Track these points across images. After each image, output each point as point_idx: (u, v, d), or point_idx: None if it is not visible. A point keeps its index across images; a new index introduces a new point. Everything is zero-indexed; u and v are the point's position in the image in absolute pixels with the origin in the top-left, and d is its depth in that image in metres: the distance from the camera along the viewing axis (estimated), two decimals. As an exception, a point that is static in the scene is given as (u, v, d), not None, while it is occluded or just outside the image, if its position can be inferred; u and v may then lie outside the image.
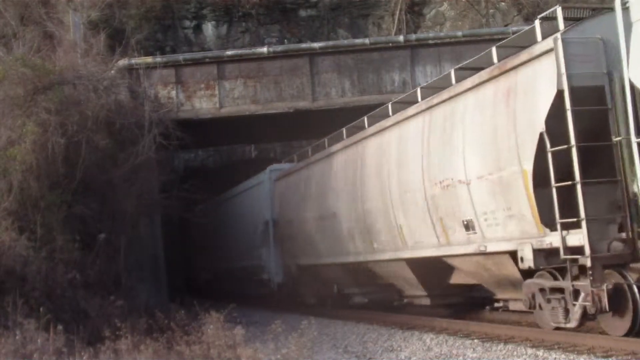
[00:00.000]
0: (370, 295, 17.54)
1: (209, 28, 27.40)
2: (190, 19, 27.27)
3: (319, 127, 19.81)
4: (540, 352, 10.05)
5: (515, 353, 10.27)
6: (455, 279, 14.26)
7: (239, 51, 21.20)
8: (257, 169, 25.40)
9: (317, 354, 11.36)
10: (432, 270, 14.35)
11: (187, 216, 22.02)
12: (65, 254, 13.60)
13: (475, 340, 11.61)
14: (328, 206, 17.54)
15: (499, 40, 12.74)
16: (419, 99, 14.09)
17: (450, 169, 12.51)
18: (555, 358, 9.69)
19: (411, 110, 14.07)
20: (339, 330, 14.75)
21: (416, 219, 13.80)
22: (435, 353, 11.03)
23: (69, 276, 12.98)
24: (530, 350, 10.25)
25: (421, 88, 14.47)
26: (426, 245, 13.69)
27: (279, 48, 20.70)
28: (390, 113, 14.91)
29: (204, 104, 19.79)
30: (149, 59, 19.97)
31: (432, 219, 13.23)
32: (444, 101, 12.83)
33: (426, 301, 15.20)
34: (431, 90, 13.96)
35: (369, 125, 15.91)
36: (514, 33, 14.02)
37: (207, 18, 27.33)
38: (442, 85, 13.48)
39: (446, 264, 13.71)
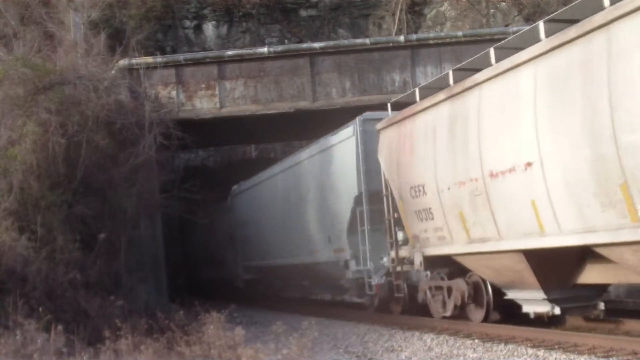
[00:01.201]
0: (569, 302, 11.30)
1: (209, 28, 27.40)
2: (191, 19, 27.28)
3: (320, 127, 19.79)
4: (540, 352, 10.04)
5: (515, 353, 10.26)
6: None
7: (240, 51, 21.19)
8: (257, 169, 25.35)
9: (317, 354, 11.35)
10: None
11: (189, 216, 21.64)
12: (66, 254, 13.61)
13: (476, 341, 11.59)
14: (510, 154, 10.56)
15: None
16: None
17: None
18: (556, 358, 9.69)
19: None
20: (339, 330, 14.74)
21: None
22: (435, 353, 11.02)
23: (69, 276, 12.99)
24: (531, 350, 10.24)
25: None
26: None
27: (280, 48, 20.69)
28: None
29: (204, 104, 19.78)
30: (150, 59, 19.96)
31: None
32: None
33: None
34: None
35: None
36: (514, 33, 13.94)
37: (208, 18, 27.34)
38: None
39: None
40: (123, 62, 19.14)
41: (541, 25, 10.37)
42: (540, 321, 12.62)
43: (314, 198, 18.92)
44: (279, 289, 23.72)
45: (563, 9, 10.40)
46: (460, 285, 13.16)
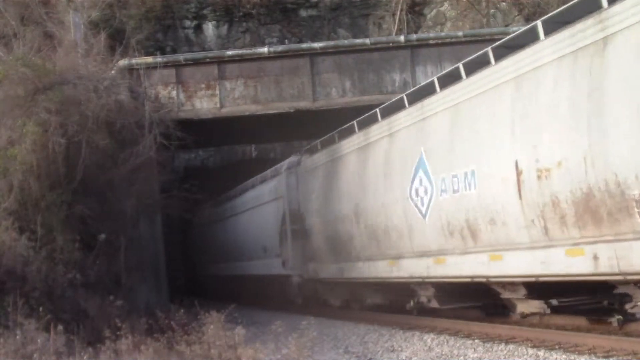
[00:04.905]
0: None
1: (209, 28, 27.40)
2: (191, 19, 27.29)
3: (320, 127, 19.78)
4: (541, 352, 10.03)
5: (516, 353, 10.26)
6: None
7: (240, 51, 21.18)
8: (257, 169, 25.27)
9: (317, 354, 11.34)
10: None
11: None
12: (66, 254, 13.61)
13: (476, 341, 11.59)
14: None
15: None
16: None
17: None
18: (556, 358, 9.68)
19: None
20: (339, 330, 14.73)
21: None
22: (436, 353, 11.02)
23: (69, 276, 13.00)
24: (531, 351, 10.23)
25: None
26: None
27: (280, 48, 20.68)
28: None
29: (204, 104, 19.77)
30: (150, 59, 19.95)
31: None
32: None
33: None
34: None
35: None
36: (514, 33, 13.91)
37: (208, 18, 27.34)
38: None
39: None
40: (123, 62, 19.13)
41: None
42: (541, 321, 12.61)
43: None
44: None
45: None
46: None
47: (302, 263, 19.63)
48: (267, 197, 22.15)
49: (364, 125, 16.19)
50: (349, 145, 16.91)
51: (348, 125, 17.03)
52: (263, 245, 22.48)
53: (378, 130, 15.40)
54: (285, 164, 20.84)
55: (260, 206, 22.89)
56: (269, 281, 22.46)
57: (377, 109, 15.46)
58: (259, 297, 23.55)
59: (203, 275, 30.56)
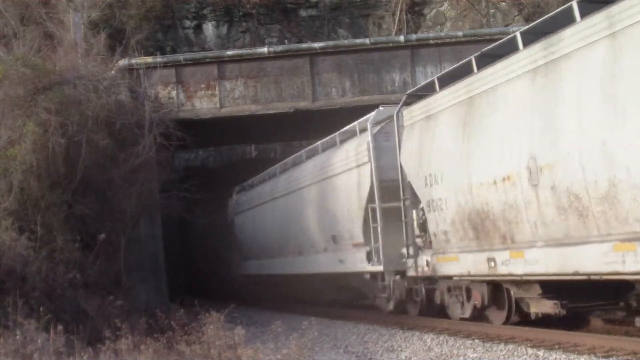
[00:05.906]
0: None
1: (209, 28, 27.39)
2: (191, 19, 27.28)
3: (319, 127, 19.79)
4: (540, 352, 10.04)
5: (515, 353, 10.26)
6: None
7: (240, 51, 21.20)
8: (257, 168, 25.28)
9: (317, 354, 11.35)
10: None
11: None
12: (66, 254, 13.61)
13: (476, 341, 11.59)
14: None
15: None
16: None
17: None
18: (555, 358, 9.68)
19: None
20: (339, 330, 14.74)
21: None
22: (435, 353, 11.02)
23: (69, 276, 12.99)
24: (531, 351, 10.24)
25: None
26: None
27: (280, 48, 20.69)
28: None
29: (204, 104, 19.78)
30: (149, 59, 19.96)
31: None
32: None
33: None
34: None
35: None
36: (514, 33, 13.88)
37: (208, 18, 27.33)
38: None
39: None
40: (123, 62, 19.14)
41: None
42: (541, 321, 12.60)
43: None
44: None
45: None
46: None
47: (400, 255, 14.52)
48: (339, 168, 16.93)
49: (536, 36, 10.71)
50: (507, 70, 11.25)
51: (495, 45, 12.21)
52: (331, 233, 17.57)
53: (580, 34, 9.65)
54: (370, 117, 15.60)
55: (324, 181, 17.77)
56: (340, 281, 17.75)
57: (572, 2, 9.87)
58: (318, 302, 19.46)
59: (229, 276, 26.52)
